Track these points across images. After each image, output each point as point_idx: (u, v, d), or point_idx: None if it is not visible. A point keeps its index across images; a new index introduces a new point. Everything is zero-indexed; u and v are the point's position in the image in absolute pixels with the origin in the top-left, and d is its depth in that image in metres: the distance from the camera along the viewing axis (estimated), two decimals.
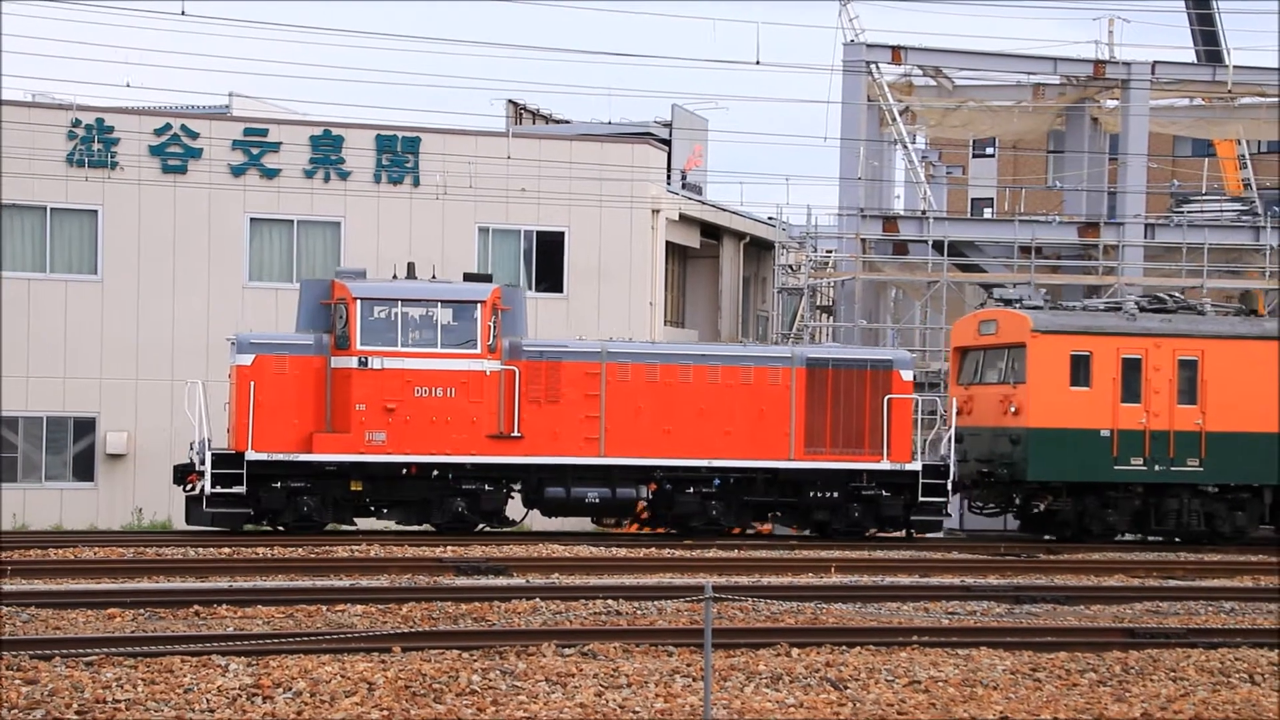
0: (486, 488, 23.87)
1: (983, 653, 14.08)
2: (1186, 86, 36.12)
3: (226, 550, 21.11)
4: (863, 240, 34.37)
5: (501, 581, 18.50)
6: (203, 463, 22.86)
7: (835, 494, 24.87)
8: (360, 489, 23.62)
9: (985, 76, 36.38)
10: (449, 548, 21.76)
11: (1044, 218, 36.45)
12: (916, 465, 24.89)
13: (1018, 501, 26.56)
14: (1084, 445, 25.50)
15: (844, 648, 14.11)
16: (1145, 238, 35.37)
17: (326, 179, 32.27)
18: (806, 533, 25.70)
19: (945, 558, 23.06)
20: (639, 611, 16.25)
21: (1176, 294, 28.73)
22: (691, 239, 38.46)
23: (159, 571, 18.66)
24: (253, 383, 23.00)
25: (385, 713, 11.07)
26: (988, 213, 52.44)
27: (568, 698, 11.63)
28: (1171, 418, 25.85)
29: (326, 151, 32.36)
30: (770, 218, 38.93)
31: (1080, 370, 25.73)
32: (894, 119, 34.79)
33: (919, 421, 26.28)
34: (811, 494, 24.87)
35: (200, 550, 21.14)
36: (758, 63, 29.49)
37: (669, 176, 37.79)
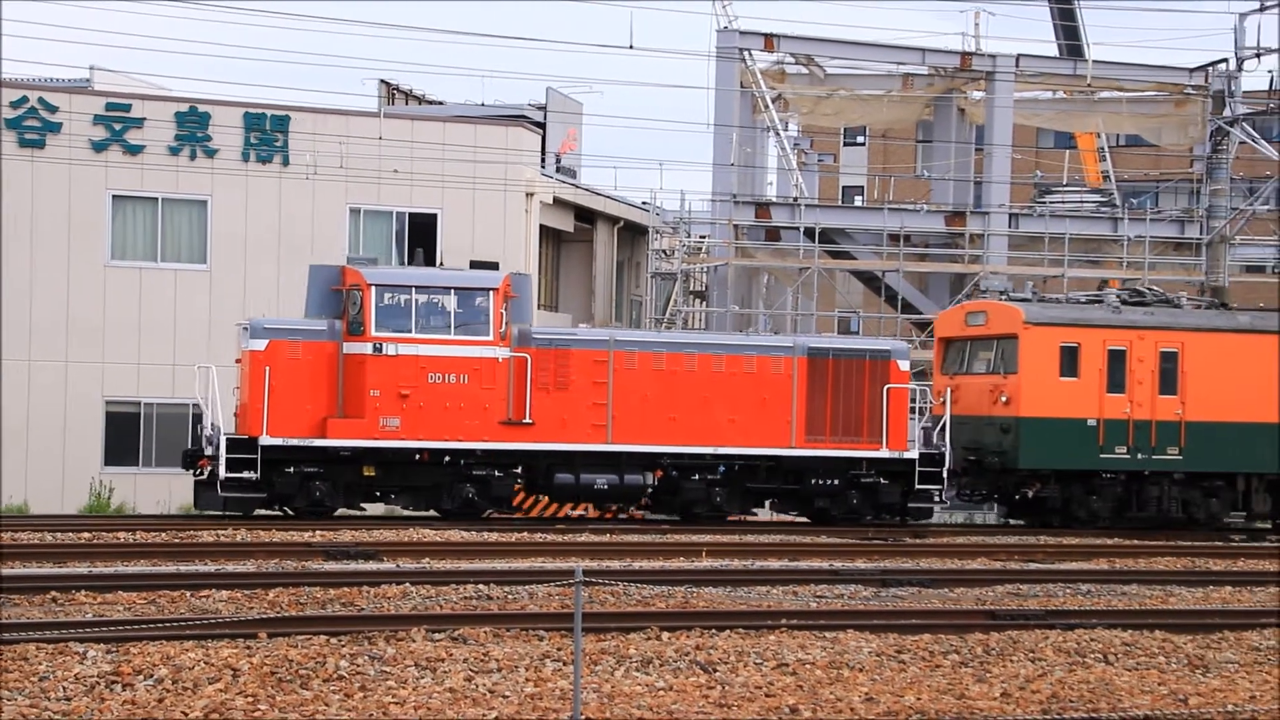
0: (496, 474, 23.99)
1: (850, 635, 14.26)
2: (1049, 79, 36.94)
3: (86, 535, 20.64)
4: (735, 226, 34.63)
5: (371, 566, 18.30)
6: (216, 447, 22.70)
7: (835, 481, 25.23)
8: (373, 474, 23.64)
9: (856, 66, 36.85)
10: (318, 532, 21.49)
11: (912, 206, 37.04)
12: (914, 453, 25.29)
13: (998, 488, 27.08)
14: (1072, 434, 26.13)
15: (714, 631, 14.19)
16: (1009, 227, 36.12)
17: (192, 156, 31.63)
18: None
19: (814, 542, 23.30)
20: (510, 596, 16.20)
21: (1155, 288, 29.52)
22: (565, 223, 38.41)
23: (14, 557, 18.17)
24: (268, 368, 22.87)
25: (250, 699, 10.90)
26: (858, 200, 53.16)
27: (437, 683, 11.56)
28: (1153, 408, 26.51)
29: (192, 128, 31.72)
30: (644, 202, 39.04)
31: (1069, 361, 26.29)
32: (767, 106, 35.06)
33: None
34: (813, 481, 25.21)
35: (58, 535, 20.64)
36: (631, 47, 29.50)
37: (543, 160, 37.68)
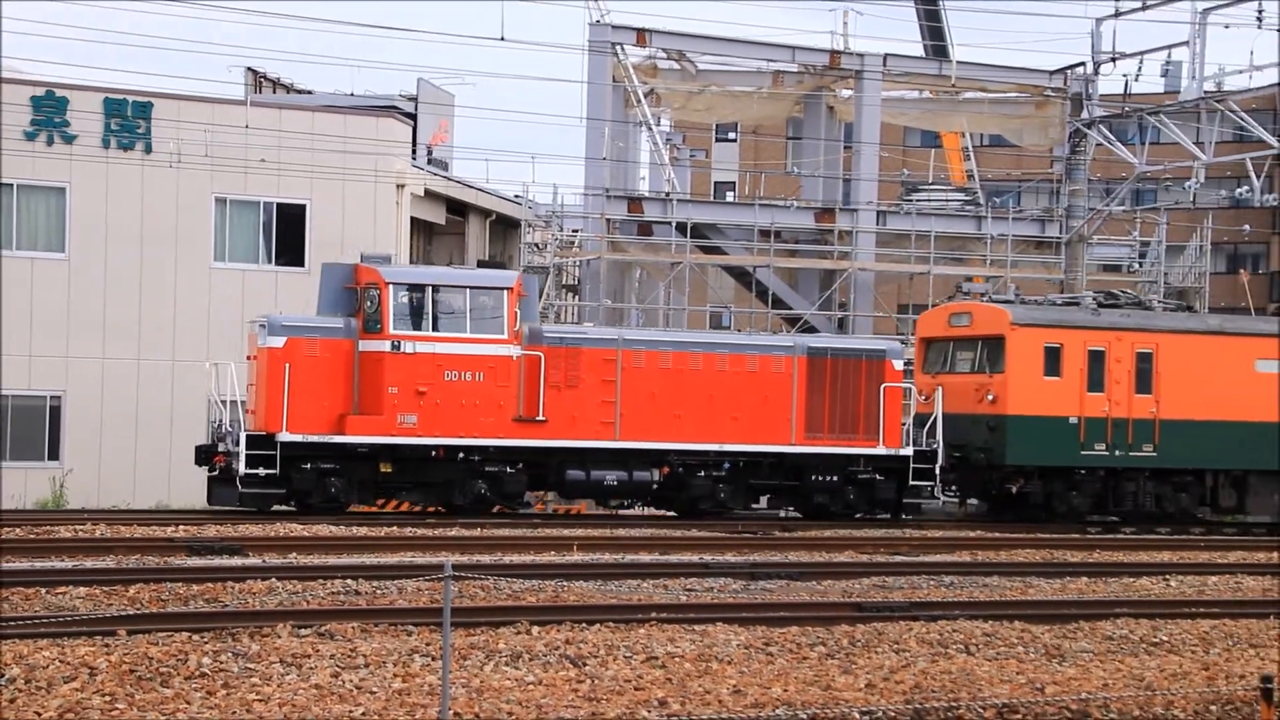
0: (509, 470, 24.29)
1: (719, 628, 14.36)
2: (915, 79, 37.51)
3: None
4: (608, 220, 34.64)
5: (236, 561, 18.01)
6: (235, 444, 22.89)
7: (835, 478, 25.85)
8: (390, 470, 23.89)
9: (727, 62, 37.08)
10: (181, 527, 21.09)
11: (783, 203, 37.37)
12: (908, 450, 25.96)
13: (983, 484, 27.79)
14: (1055, 431, 26.96)
15: (584, 625, 14.20)
16: (877, 224, 36.62)
17: (50, 142, 30.80)
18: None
19: (685, 536, 23.42)
20: (379, 591, 16.04)
21: (1127, 290, 30.47)
22: (437, 215, 38.12)
23: None
24: (288, 365, 23.04)
25: (107, 698, 10.66)
26: (730, 196, 53.52)
27: (302, 679, 11.41)
28: (1130, 406, 27.42)
29: (49, 113, 30.87)
30: (516, 196, 38.90)
31: (1052, 361, 27.14)
32: (639, 101, 35.14)
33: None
34: (813, 477, 25.82)
35: None
36: (502, 39, 29.24)
37: (414, 151, 37.35)
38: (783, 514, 27.37)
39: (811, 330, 36.34)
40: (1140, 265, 39.11)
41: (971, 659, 13.55)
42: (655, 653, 13.03)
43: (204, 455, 23.97)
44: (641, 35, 34.81)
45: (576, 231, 36.77)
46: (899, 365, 26.38)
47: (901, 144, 51.31)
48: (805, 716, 10.53)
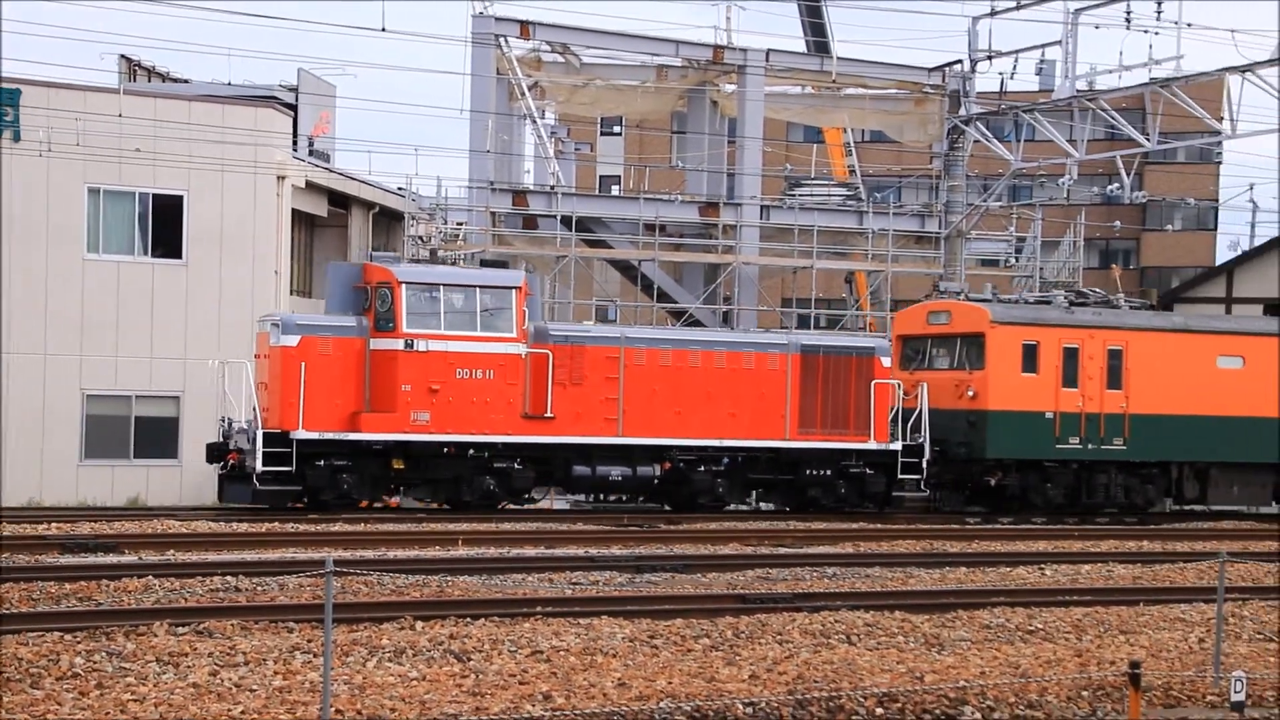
0: (516, 466, 24.73)
1: (604, 621, 14.37)
2: (797, 75, 37.80)
3: None
4: (493, 213, 34.47)
5: (111, 559, 17.64)
6: (249, 442, 23.21)
7: (828, 472, 26.59)
8: (402, 467, 24.28)
9: (612, 56, 37.05)
10: (53, 525, 20.61)
11: (667, 197, 37.48)
12: (897, 445, 26.65)
13: (962, 477, 28.53)
14: (1032, 426, 27.93)
15: (469, 620, 14.12)
16: (761, 219, 36.86)
17: None
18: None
19: (570, 529, 23.42)
20: (259, 588, 15.81)
21: (1097, 289, 31.39)
22: (319, 207, 37.63)
23: None
24: (303, 364, 23.33)
25: None
26: (615, 190, 53.54)
27: (179, 678, 11.20)
28: (1102, 401, 28.45)
29: None
30: (400, 188, 38.53)
31: (1030, 358, 28.10)
32: (523, 93, 34.99)
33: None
34: (807, 472, 26.53)
35: None
36: (383, 30, 28.86)
37: (295, 142, 36.83)
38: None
39: (696, 324, 36.53)
40: (1016, 260, 39.85)
41: (853, 649, 13.70)
42: (540, 647, 13.00)
43: (216, 453, 24.15)
44: (525, 28, 34.67)
45: (461, 224, 36.49)
46: (886, 362, 27.15)
47: (784, 139, 51.72)
48: (689, 708, 10.57)
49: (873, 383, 26.69)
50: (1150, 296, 32.35)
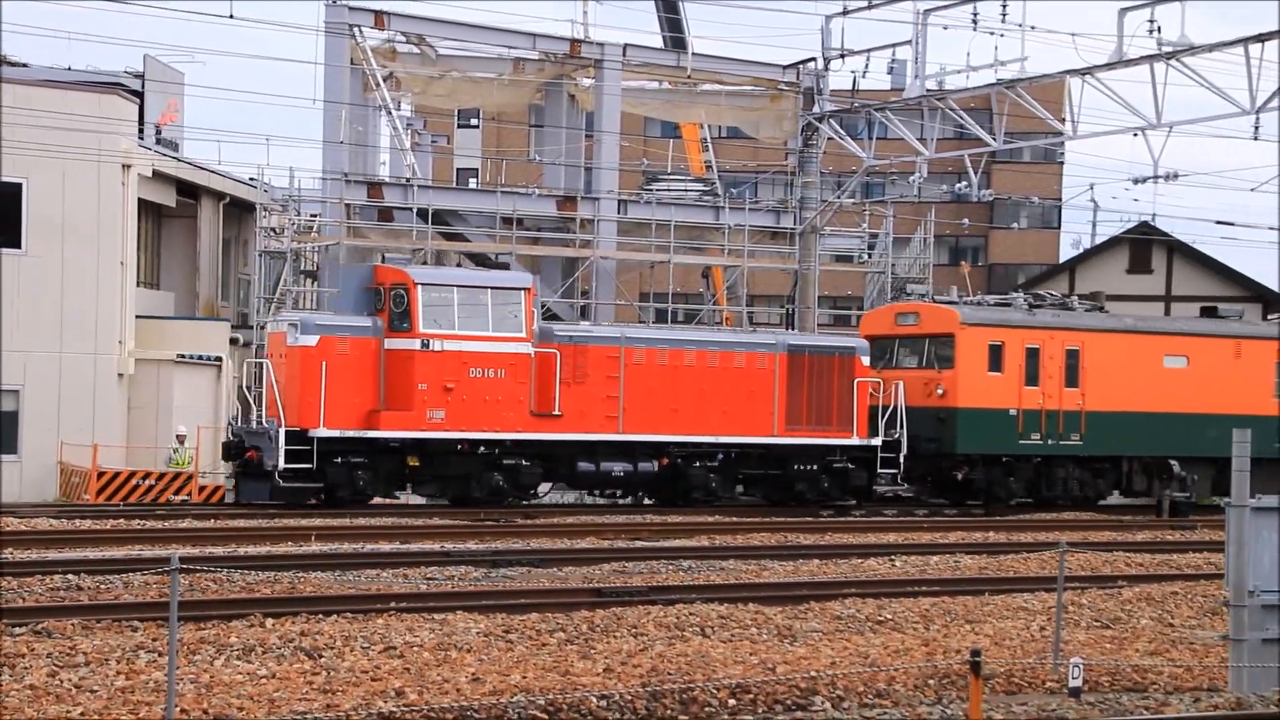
0: (524, 463, 25.57)
1: (459, 616, 14.30)
2: (654, 70, 37.93)
3: None
4: (347, 205, 34.03)
5: None
6: (269, 440, 23.72)
7: (815, 467, 27.73)
8: (417, 464, 24.98)
9: (468, 48, 36.80)
10: None
11: (525, 190, 37.36)
12: (878, 440, 27.92)
13: (931, 471, 29.71)
14: (997, 422, 29.25)
15: (321, 616, 13.96)
16: (619, 213, 36.94)
17: None
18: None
19: (426, 524, 23.26)
20: (103, 586, 15.44)
21: (1053, 293, 33.04)
22: (167, 197, 36.80)
23: None
24: (324, 363, 23.94)
25: None
26: (472, 183, 53.21)
27: (15, 680, 10.88)
28: (1060, 399, 29.86)
29: None
30: (251, 178, 37.84)
31: (995, 358, 29.51)
32: (378, 84, 34.58)
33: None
34: (795, 467, 27.71)
35: None
36: (231, 16, 28.18)
37: (141, 130, 35.96)
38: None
39: (555, 318, 36.50)
40: (869, 256, 40.48)
41: (707, 641, 13.82)
42: (394, 642, 12.89)
43: (233, 451, 24.62)
44: (379, 18, 34.26)
45: (315, 216, 36.00)
46: (866, 361, 28.37)
47: (642, 134, 51.93)
48: (543, 702, 10.57)
49: (855, 381, 27.98)
50: (1099, 299, 33.79)
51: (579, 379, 25.82)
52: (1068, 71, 29.97)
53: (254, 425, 24.33)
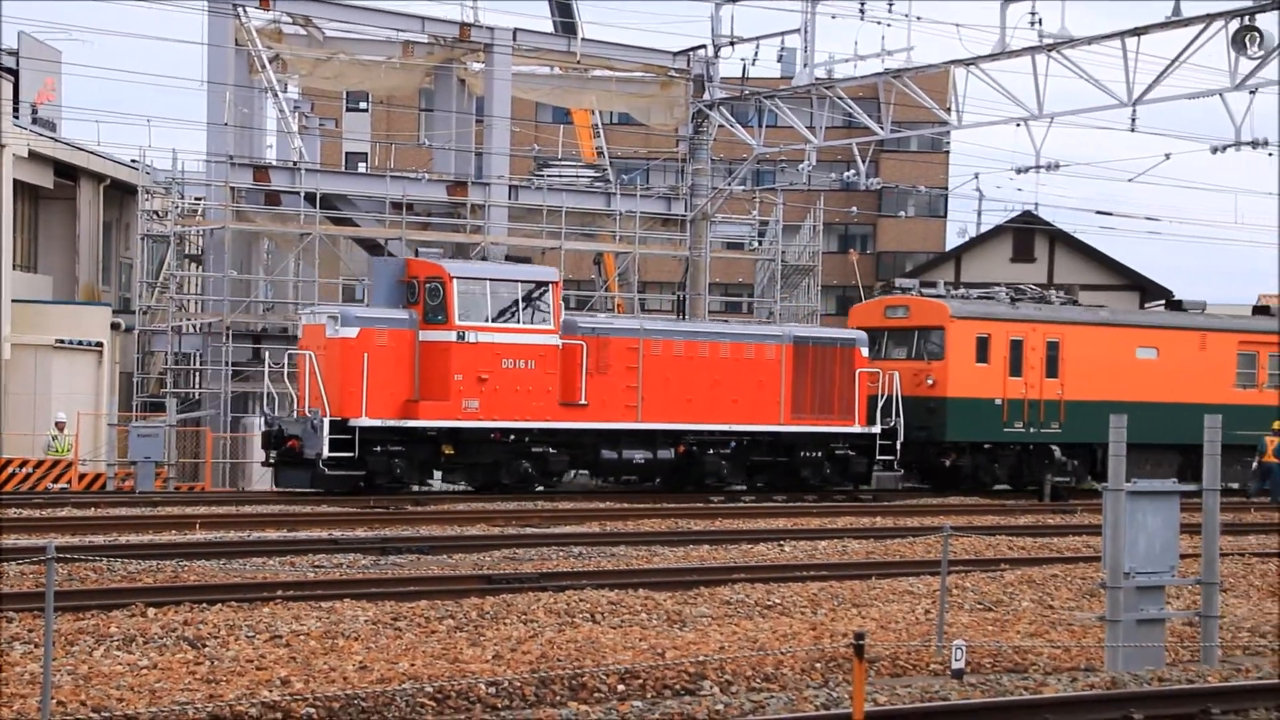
0: (552, 451, 26.50)
1: (346, 604, 14.17)
2: (544, 55, 37.80)
3: None
4: (232, 189, 33.49)
5: None
6: (312, 429, 24.42)
7: (819, 454, 28.85)
8: (452, 452, 25.82)
9: (356, 30, 36.38)
10: None
11: (415, 175, 37.05)
12: (877, 429, 29.06)
13: (920, 458, 30.68)
14: (984, 411, 30.42)
15: (204, 605, 13.75)
16: (509, 199, 36.79)
17: None
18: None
19: (314, 512, 23.01)
20: None
21: (1032, 285, 34.18)
22: (44, 178, 35.96)
23: None
24: (365, 354, 24.65)
25: None
26: (361, 167, 52.65)
27: None
28: (1042, 389, 31.17)
29: None
30: (133, 160, 37.10)
31: (982, 349, 30.71)
32: (263, 66, 34.05)
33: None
34: (802, 454, 28.82)
35: None
36: None
37: (16, 110, 35.06)
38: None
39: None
40: (759, 243, 40.74)
41: (597, 627, 13.83)
42: (280, 631, 12.74)
43: (274, 440, 25.17)
44: None
45: (199, 200, 35.39)
46: (865, 353, 29.44)
47: (533, 119, 51.71)
48: (431, 690, 10.50)
49: (856, 371, 29.10)
50: (1073, 292, 35.24)
51: (601, 370, 26.75)
52: (952, 62, 30.36)
53: (292, 415, 25.19)
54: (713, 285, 39.24)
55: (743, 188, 40.75)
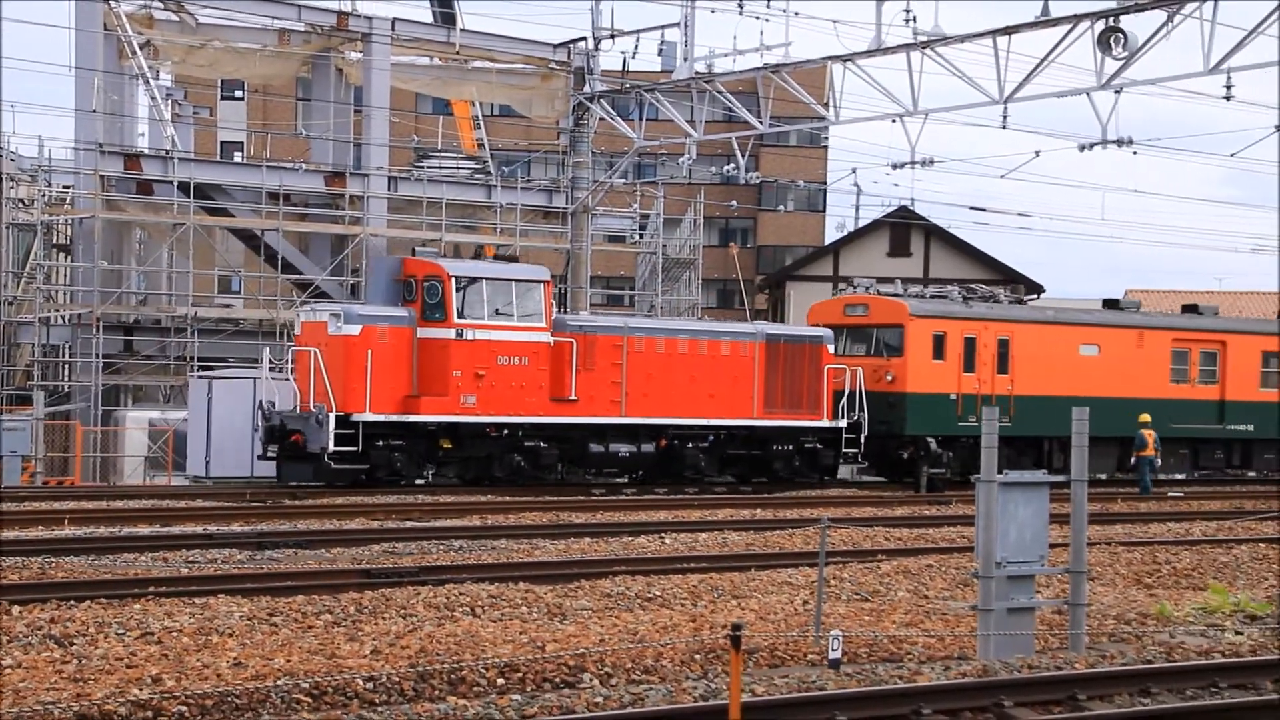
0: (543, 445, 27.20)
1: (221, 600, 13.94)
2: (423, 45, 37.51)
3: None
4: (102, 177, 32.76)
5: None
6: (317, 424, 24.94)
7: (790, 447, 29.76)
8: (450, 446, 26.48)
9: (230, 17, 35.76)
10: None
11: (292, 165, 36.55)
12: (843, 423, 29.96)
13: (880, 451, 31.43)
14: (940, 406, 31.35)
15: (72, 603, 13.44)
16: (389, 190, 36.46)
17: None
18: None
19: (189, 506, 22.63)
20: None
21: (981, 285, 35.70)
22: None
23: None
24: (369, 351, 25.31)
25: None
26: (237, 156, 51.83)
27: None
28: (993, 384, 32.22)
29: None
30: None
31: (939, 347, 31.73)
32: (134, 52, 33.35)
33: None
34: (775, 447, 29.67)
35: None
36: None
37: None
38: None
39: (324, 296, 35.86)
40: (640, 236, 40.85)
41: (477, 621, 13.76)
42: (151, 628, 12.49)
43: (276, 434, 25.59)
44: None
45: (68, 188, 34.57)
46: (832, 350, 30.43)
47: (413, 110, 51.28)
48: (307, 686, 10.36)
49: (824, 368, 30.03)
50: (1019, 292, 36.36)
51: (588, 366, 27.42)
52: (830, 58, 30.66)
53: (295, 410, 25.53)
54: (594, 278, 39.25)
55: (624, 181, 40.85)
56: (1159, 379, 35.06)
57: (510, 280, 26.72)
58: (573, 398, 27.31)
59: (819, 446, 30.22)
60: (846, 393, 30.16)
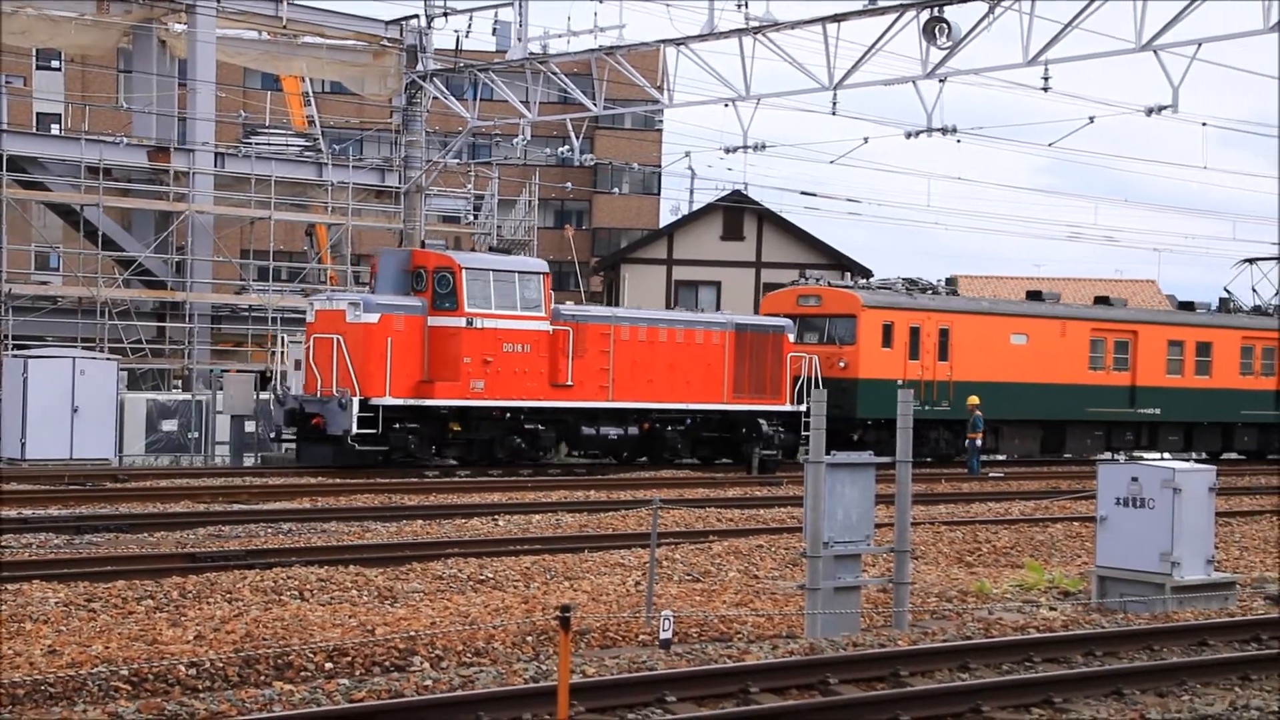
0: (542, 428, 28.81)
1: (35, 586, 13.53)
2: (250, 19, 36.69)
3: None
4: None
5: None
6: (340, 408, 26.21)
7: (756, 431, 31.29)
8: (459, 429, 28.09)
9: None
10: None
11: (113, 139, 35.49)
12: (803, 407, 30.99)
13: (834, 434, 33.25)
14: (888, 391, 31.35)
15: None
16: (215, 166, 35.62)
17: None
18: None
19: (2, 490, 21.85)
20: None
21: (923, 278, 37.31)
22: None
23: None
24: (389, 338, 26.69)
25: None
26: (55, 129, 50.11)
27: None
28: (934, 371, 34.35)
29: None
30: None
31: (887, 336, 33.75)
32: None
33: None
34: (743, 430, 31.41)
35: None
36: None
37: None
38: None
39: (147, 273, 34.91)
40: (474, 217, 40.57)
41: (305, 605, 13.56)
42: None
43: (296, 418, 26.84)
44: None
45: None
46: (792, 338, 32.28)
47: (241, 85, 50.15)
48: (127, 673, 10.10)
49: (788, 355, 31.87)
50: (954, 284, 37.98)
51: (580, 354, 28.98)
52: (663, 41, 30.75)
53: (317, 394, 26.55)
54: None
55: (457, 161, 40.49)
56: (1079, 366, 37.33)
57: (514, 272, 28.37)
58: (568, 383, 28.93)
59: (781, 430, 31.86)
60: (803, 379, 32.00)
